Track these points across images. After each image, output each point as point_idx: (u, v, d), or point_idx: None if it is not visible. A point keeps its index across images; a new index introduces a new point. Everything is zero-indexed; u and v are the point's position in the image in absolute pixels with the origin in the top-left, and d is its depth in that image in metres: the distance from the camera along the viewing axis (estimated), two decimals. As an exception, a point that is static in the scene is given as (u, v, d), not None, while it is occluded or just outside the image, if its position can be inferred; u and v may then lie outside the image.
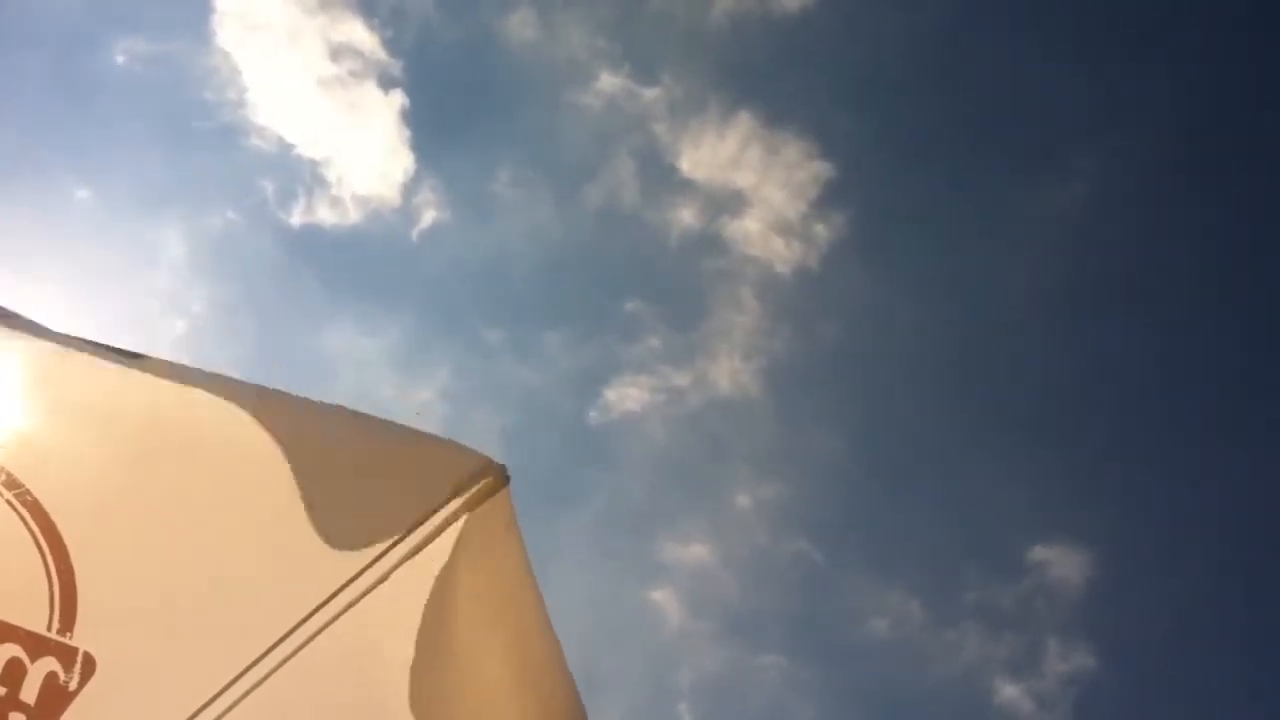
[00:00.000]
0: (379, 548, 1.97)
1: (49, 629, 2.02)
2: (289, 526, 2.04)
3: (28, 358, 1.88)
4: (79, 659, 2.04)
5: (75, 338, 1.90)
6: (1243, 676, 10.30)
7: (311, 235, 10.03)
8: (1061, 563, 10.48)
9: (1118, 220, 10.60)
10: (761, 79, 10.59)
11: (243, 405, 1.96)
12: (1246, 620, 10.48)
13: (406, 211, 10.11)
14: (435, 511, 1.94)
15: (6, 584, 2.01)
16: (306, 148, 10.07)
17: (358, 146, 10.27)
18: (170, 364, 1.92)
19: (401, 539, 1.97)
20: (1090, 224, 10.60)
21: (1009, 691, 10.15)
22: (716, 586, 10.52)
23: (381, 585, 1.98)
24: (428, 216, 10.10)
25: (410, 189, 10.11)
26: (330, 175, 10.01)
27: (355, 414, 1.99)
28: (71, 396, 1.93)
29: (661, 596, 10.35)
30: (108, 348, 1.90)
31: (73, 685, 2.04)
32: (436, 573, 1.98)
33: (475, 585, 2.01)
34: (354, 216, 10.03)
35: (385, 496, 2.00)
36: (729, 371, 10.65)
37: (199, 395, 1.96)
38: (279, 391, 1.97)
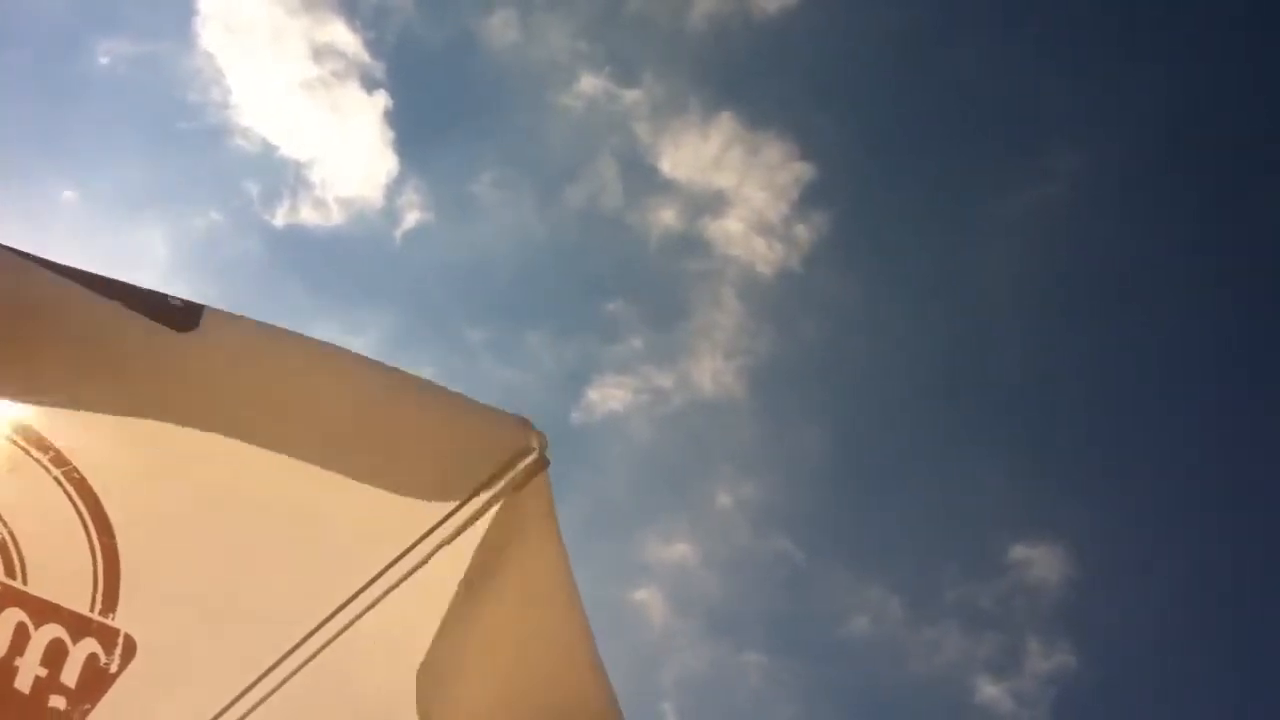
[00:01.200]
0: (418, 532, 1.94)
1: (92, 609, 2.02)
2: (332, 510, 2.02)
3: (75, 324, 1.88)
4: (120, 641, 2.03)
5: (131, 293, 1.86)
6: (1222, 674, 10.08)
7: (295, 236, 10.26)
8: (1041, 562, 10.35)
9: (1097, 220, 10.55)
10: (742, 80, 10.68)
11: (296, 373, 1.94)
12: (1225, 618, 10.26)
13: (389, 212, 10.32)
14: (475, 495, 1.91)
15: (52, 562, 2.01)
16: (290, 149, 10.26)
17: (341, 148, 10.47)
18: (223, 321, 1.89)
19: (441, 523, 1.93)
20: (1070, 224, 10.55)
21: (989, 690, 9.97)
22: (699, 585, 10.53)
23: (420, 570, 1.95)
24: (410, 217, 10.29)
25: (393, 190, 10.33)
26: (314, 176, 10.24)
27: (397, 375, 1.95)
28: (122, 366, 1.92)
29: (645, 595, 10.33)
30: (162, 310, 1.87)
31: (113, 668, 2.03)
32: (473, 558, 1.94)
33: (511, 572, 1.97)
34: (337, 217, 10.25)
35: (427, 476, 1.96)
36: (711, 371, 10.68)
37: (250, 368, 1.94)
38: (332, 352, 1.94)
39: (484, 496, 1.91)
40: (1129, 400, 10.59)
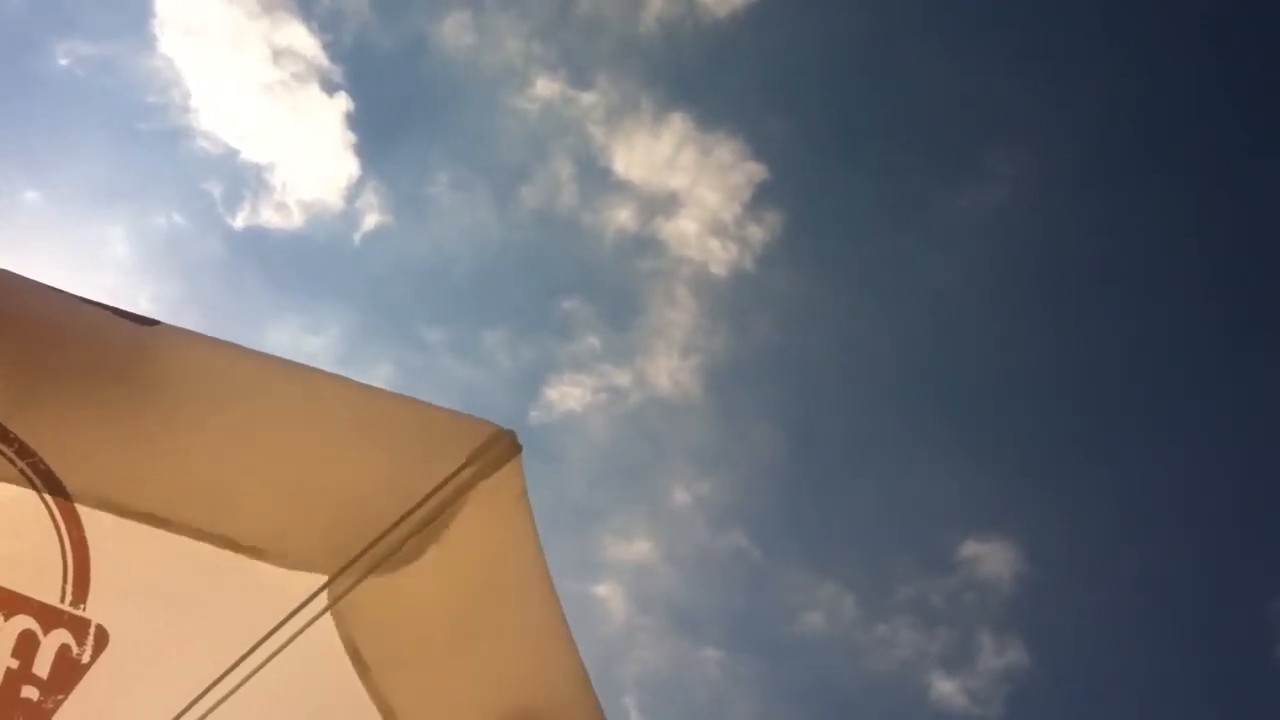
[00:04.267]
0: (390, 520, 1.93)
1: (62, 600, 2.00)
2: (302, 498, 2.01)
3: (40, 319, 1.86)
4: (92, 631, 2.01)
5: (89, 299, 1.87)
6: (1174, 672, 10.36)
7: (256, 237, 10.34)
8: (992, 558, 10.58)
9: (1042, 221, 10.74)
10: (693, 82, 10.81)
11: (256, 372, 1.94)
12: (1177, 616, 10.55)
13: (348, 213, 10.43)
14: (447, 482, 1.90)
15: (19, 555, 1.99)
16: (250, 151, 10.34)
17: (301, 150, 10.55)
18: (183, 330, 1.89)
19: (413, 511, 1.92)
20: (1016, 224, 10.75)
21: (944, 687, 10.22)
22: (659, 582, 10.74)
23: (392, 558, 1.94)
24: (370, 218, 10.42)
25: (352, 191, 10.42)
26: (274, 178, 10.28)
27: (361, 385, 1.95)
28: (85, 361, 1.90)
29: (605, 591, 10.49)
30: (123, 312, 1.87)
31: (85, 658, 2.02)
32: (448, 544, 1.94)
33: (486, 558, 1.98)
34: (298, 218, 10.34)
35: (397, 468, 1.95)
36: (668, 370, 10.86)
37: (211, 363, 1.93)
38: (289, 361, 1.94)
39: (455, 483, 1.90)
40: (1079, 397, 10.80)
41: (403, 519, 1.92)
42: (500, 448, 1.89)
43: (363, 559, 1.94)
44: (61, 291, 1.91)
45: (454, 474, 1.89)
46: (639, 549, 10.79)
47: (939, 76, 10.52)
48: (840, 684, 10.67)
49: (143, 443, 1.97)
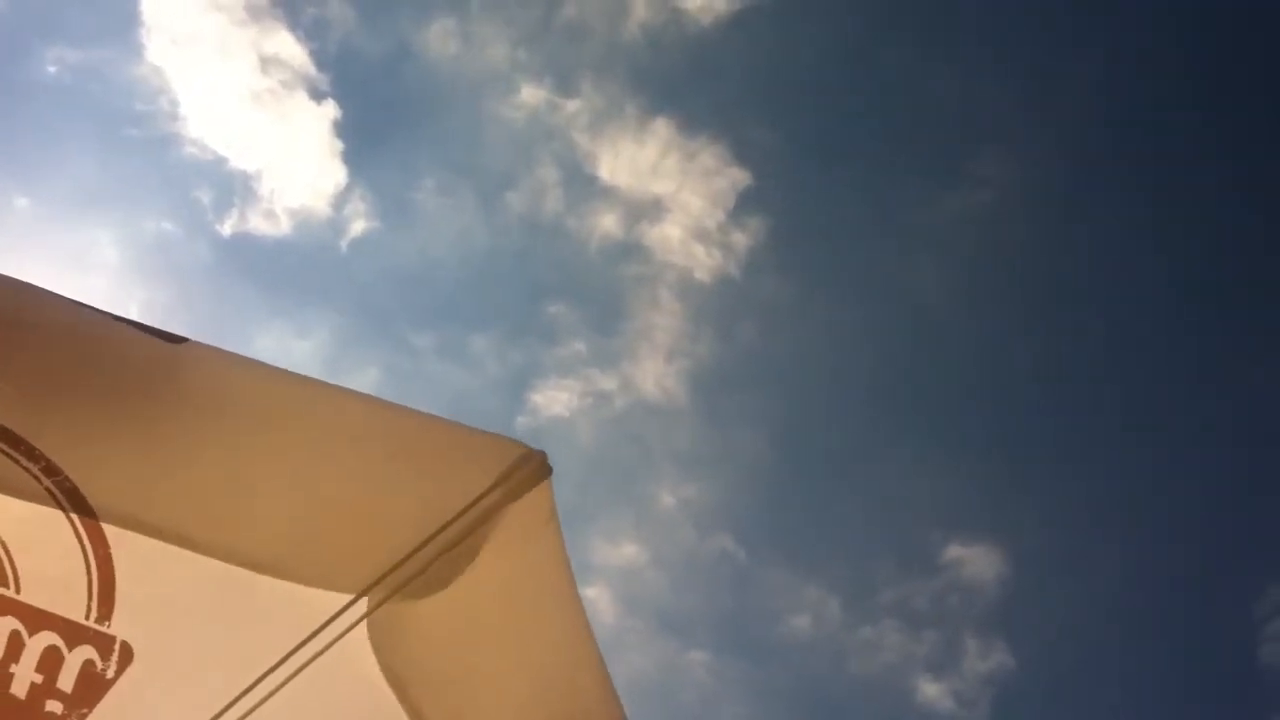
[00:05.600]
0: (419, 539, 1.94)
1: (87, 617, 2.01)
2: (330, 518, 2.02)
3: (68, 335, 1.85)
4: (116, 648, 2.02)
5: (118, 316, 1.87)
6: (1157, 674, 10.53)
7: (244, 243, 10.41)
8: (976, 561, 10.72)
9: (1026, 225, 10.87)
10: (677, 89, 10.93)
11: (283, 391, 1.94)
12: (1159, 618, 10.72)
13: (336, 219, 10.52)
14: (477, 502, 1.91)
15: (45, 572, 1.99)
16: (238, 158, 10.47)
17: (288, 156, 10.61)
18: (212, 348, 1.90)
19: (443, 530, 1.93)
20: (999, 229, 10.88)
21: (930, 690, 10.38)
22: (646, 585, 10.85)
23: (422, 577, 1.96)
24: (357, 224, 10.52)
25: (339, 197, 10.48)
26: (262, 185, 10.35)
27: (390, 404, 1.96)
28: (113, 379, 1.90)
29: (593, 594, 10.56)
30: (152, 329, 1.87)
31: (110, 673, 2.02)
32: (479, 564, 1.95)
33: (515, 578, 1.99)
34: (285, 225, 10.42)
35: (426, 487, 1.96)
36: (653, 374, 10.95)
37: (240, 381, 1.94)
38: (317, 380, 1.95)
39: (485, 504, 1.92)
40: (1062, 401, 10.92)
41: (432, 538, 1.93)
42: (530, 469, 1.90)
43: (391, 578, 1.95)
44: (90, 307, 1.91)
45: (484, 494, 1.90)
46: (626, 552, 10.86)
47: (922, 83, 10.63)
48: (827, 686, 10.76)
49: (169, 461, 1.98)
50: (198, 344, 1.90)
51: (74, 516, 1.97)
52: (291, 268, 10.74)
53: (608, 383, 10.86)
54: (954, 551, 10.84)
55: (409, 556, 1.94)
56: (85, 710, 2.03)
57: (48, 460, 1.94)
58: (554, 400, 10.63)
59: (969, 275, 10.97)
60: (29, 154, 9.89)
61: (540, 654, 2.10)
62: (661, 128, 10.64)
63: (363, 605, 1.99)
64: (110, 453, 1.97)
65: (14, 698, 2.00)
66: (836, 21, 10.57)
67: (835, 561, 11.14)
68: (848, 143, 10.89)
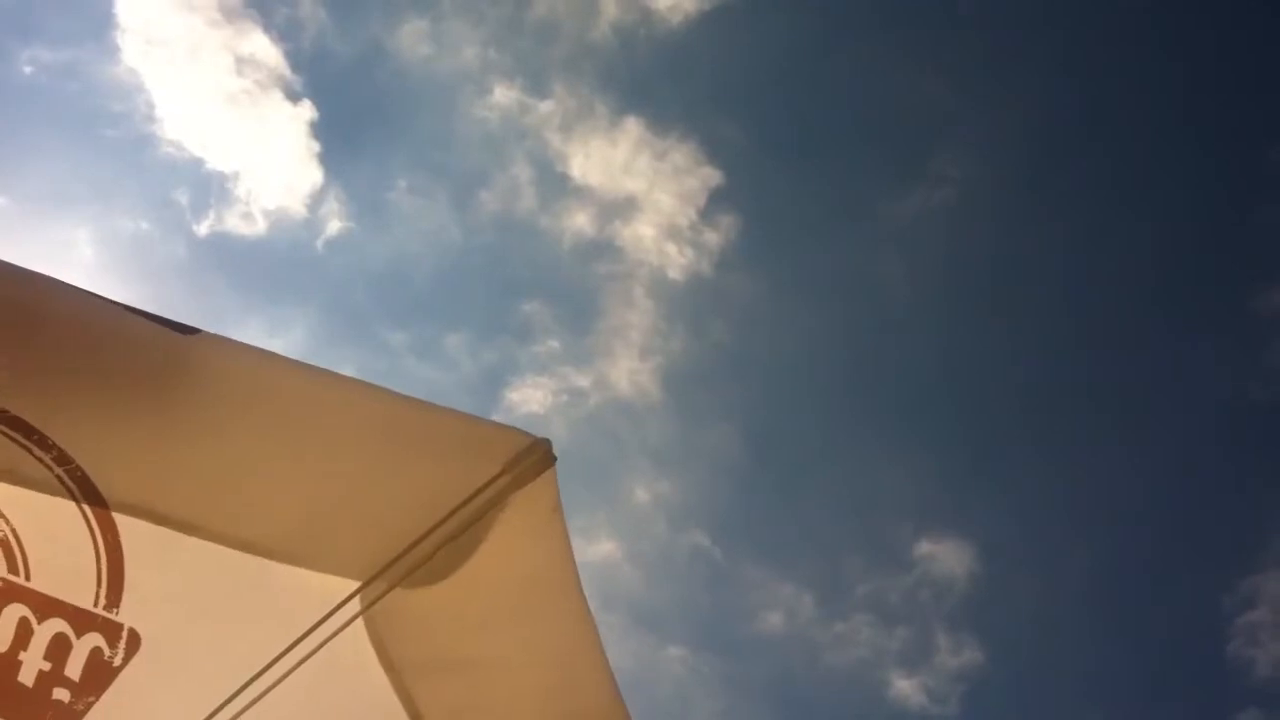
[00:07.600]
0: (424, 527, 1.98)
1: (95, 604, 2.03)
2: (336, 506, 2.05)
3: (78, 325, 1.88)
4: (124, 635, 2.05)
5: (130, 306, 1.89)
6: (1127, 668, 10.65)
7: (220, 242, 10.49)
8: (947, 557, 10.86)
9: (988, 223, 11.07)
10: (648, 88, 11.10)
11: (293, 380, 1.97)
12: (1130, 614, 10.84)
13: (311, 219, 10.62)
14: (481, 491, 1.95)
15: (54, 559, 2.01)
16: (214, 159, 10.55)
17: (263, 157, 10.69)
18: (223, 339, 1.92)
19: (447, 519, 1.97)
20: (963, 226, 11.07)
21: (903, 685, 10.52)
22: (622, 581, 10.96)
23: (426, 566, 1.99)
24: (332, 224, 10.64)
25: (314, 197, 10.59)
26: (237, 185, 10.46)
27: (396, 394, 1.99)
28: (124, 368, 1.92)
29: None
30: (164, 320, 1.90)
31: (117, 661, 2.05)
32: (483, 554, 1.99)
33: (521, 565, 2.02)
34: (261, 224, 10.52)
35: (431, 476, 1.99)
36: (627, 372, 11.11)
37: (251, 371, 1.97)
38: (326, 370, 1.98)
39: (489, 492, 1.95)
40: (1030, 396, 11.08)
41: (437, 526, 1.96)
42: (535, 458, 1.94)
43: (396, 566, 1.99)
44: (102, 298, 1.93)
45: (488, 483, 1.94)
46: (602, 549, 10.91)
47: (889, 82, 10.79)
48: (800, 681, 10.87)
49: (179, 450, 2.00)
50: (210, 335, 1.93)
51: (84, 504, 1.99)
52: (267, 267, 10.81)
53: (582, 380, 11.00)
54: (925, 547, 11.02)
55: (416, 543, 1.97)
56: (92, 698, 2.05)
57: (59, 449, 1.96)
58: (528, 398, 10.73)
59: (938, 271, 11.16)
60: (5, 154, 9.88)
61: (542, 646, 2.13)
62: (633, 127, 10.82)
63: (371, 591, 2.02)
64: (121, 442, 1.99)
65: (22, 686, 2.02)
66: (806, 22, 10.77)
67: (808, 557, 11.30)
68: (817, 142, 11.11)
